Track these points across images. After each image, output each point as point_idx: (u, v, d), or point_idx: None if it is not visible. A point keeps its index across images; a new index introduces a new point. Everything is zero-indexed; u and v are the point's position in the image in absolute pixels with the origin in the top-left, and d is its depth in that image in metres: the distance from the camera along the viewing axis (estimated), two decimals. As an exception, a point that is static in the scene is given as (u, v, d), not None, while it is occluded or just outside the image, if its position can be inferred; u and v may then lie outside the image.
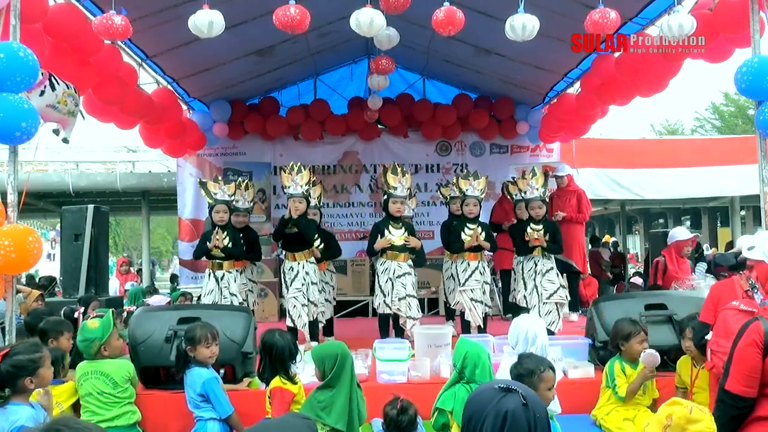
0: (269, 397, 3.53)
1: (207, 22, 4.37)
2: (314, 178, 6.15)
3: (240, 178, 6.54)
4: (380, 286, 5.71)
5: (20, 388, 2.94)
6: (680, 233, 6.79)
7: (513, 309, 6.54)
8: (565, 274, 7.14)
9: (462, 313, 5.87)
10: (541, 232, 5.70)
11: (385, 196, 5.80)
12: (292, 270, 5.63)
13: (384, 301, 5.66)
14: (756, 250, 2.68)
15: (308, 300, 5.56)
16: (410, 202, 5.79)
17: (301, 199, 5.59)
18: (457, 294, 5.83)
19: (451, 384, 3.33)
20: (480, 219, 6.01)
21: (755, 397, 2.44)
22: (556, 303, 5.62)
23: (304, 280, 5.58)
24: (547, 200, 5.98)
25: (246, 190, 6.02)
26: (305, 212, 5.66)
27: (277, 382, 3.51)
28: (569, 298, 5.88)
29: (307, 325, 5.54)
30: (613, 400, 3.76)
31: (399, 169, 5.76)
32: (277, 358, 3.57)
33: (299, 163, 5.78)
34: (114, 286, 10.97)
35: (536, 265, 5.75)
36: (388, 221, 5.79)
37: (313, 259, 5.71)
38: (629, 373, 3.74)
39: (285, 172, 5.75)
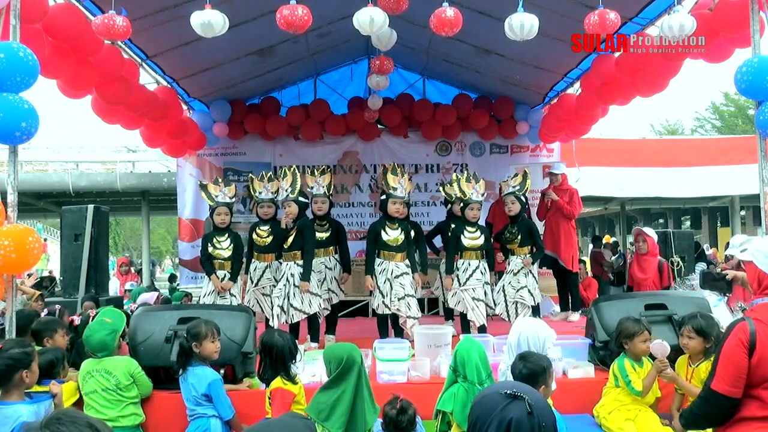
0: (269, 398, 3.53)
1: (207, 21, 4.37)
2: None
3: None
4: (378, 287, 5.72)
5: (15, 383, 2.95)
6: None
7: None
8: (560, 274, 7.18)
9: (462, 313, 5.87)
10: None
11: (384, 196, 5.81)
12: (280, 270, 5.81)
13: (383, 301, 5.68)
14: (746, 252, 2.72)
15: (288, 302, 5.59)
16: (404, 180, 5.80)
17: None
18: (458, 294, 5.83)
19: (450, 384, 3.34)
20: (479, 222, 6.04)
21: (740, 398, 2.41)
22: (517, 302, 5.79)
23: (288, 281, 5.63)
24: (523, 198, 6.08)
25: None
26: (299, 214, 5.77)
27: (278, 382, 3.50)
28: (536, 302, 5.92)
29: (286, 326, 5.57)
30: (619, 398, 3.76)
31: (399, 170, 5.78)
32: (277, 359, 3.56)
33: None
34: (114, 286, 10.97)
35: (508, 265, 5.93)
36: (384, 221, 5.80)
37: (301, 261, 5.70)
38: (638, 371, 3.76)
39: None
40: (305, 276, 5.58)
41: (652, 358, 3.88)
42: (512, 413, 1.50)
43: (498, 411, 1.51)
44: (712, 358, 3.48)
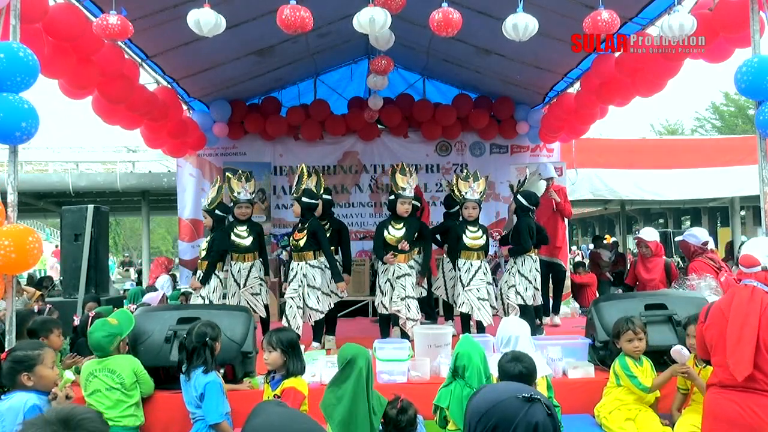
0: (278, 396, 3.51)
1: (193, 21, 4.37)
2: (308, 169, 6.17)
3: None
4: (380, 287, 5.75)
5: (18, 385, 2.94)
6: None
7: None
8: (554, 276, 7.09)
9: (462, 313, 5.87)
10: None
11: (392, 196, 5.82)
12: (293, 270, 5.76)
13: (382, 301, 5.69)
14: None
15: (303, 303, 5.59)
16: (412, 180, 5.83)
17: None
18: (462, 294, 5.82)
19: (448, 383, 3.37)
20: (480, 221, 6.02)
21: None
22: (507, 303, 5.87)
23: (301, 282, 5.65)
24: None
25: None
26: (305, 214, 5.77)
27: (291, 382, 3.49)
28: (526, 302, 5.87)
29: (300, 327, 5.57)
30: (620, 398, 3.76)
31: (407, 170, 5.80)
32: (300, 356, 3.59)
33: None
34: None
35: (506, 265, 6.01)
36: (390, 220, 5.82)
37: (314, 261, 5.71)
38: (640, 369, 3.75)
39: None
40: (337, 277, 5.66)
41: (663, 360, 3.88)
42: (536, 417, 1.52)
43: (522, 415, 1.52)
44: None
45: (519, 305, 5.83)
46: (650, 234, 6.90)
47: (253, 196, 6.09)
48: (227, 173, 6.22)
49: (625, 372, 3.73)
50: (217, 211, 6.02)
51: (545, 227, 6.76)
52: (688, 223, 24.02)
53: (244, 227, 5.96)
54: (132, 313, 4.39)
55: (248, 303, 5.91)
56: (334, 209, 6.61)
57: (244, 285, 5.91)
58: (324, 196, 6.08)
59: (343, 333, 6.22)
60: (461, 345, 3.41)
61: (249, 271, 5.92)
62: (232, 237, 5.94)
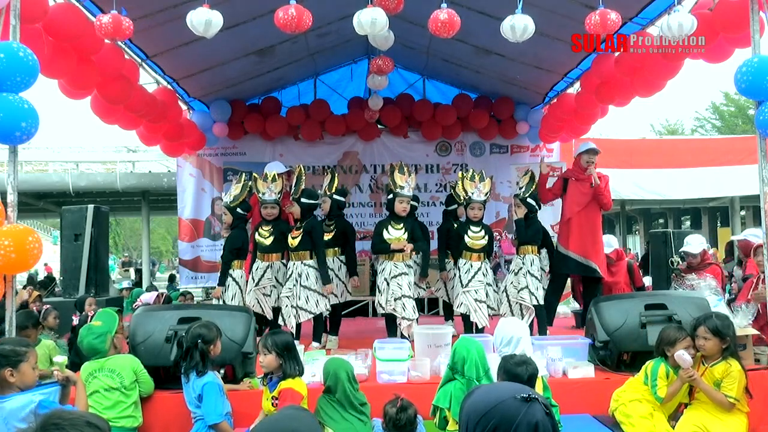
0: (275, 398, 3.51)
1: (204, 21, 4.36)
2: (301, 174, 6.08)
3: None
4: (378, 286, 5.77)
5: (0, 380, 2.91)
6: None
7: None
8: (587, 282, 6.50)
9: (463, 314, 5.86)
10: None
11: (391, 195, 5.81)
12: (289, 270, 5.78)
13: (379, 301, 5.71)
14: None
15: (296, 303, 5.60)
16: (411, 179, 5.84)
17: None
18: (460, 296, 5.80)
19: (445, 382, 3.38)
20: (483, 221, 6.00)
21: None
22: (520, 304, 5.76)
23: (296, 281, 5.64)
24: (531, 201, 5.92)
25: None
26: (305, 214, 5.78)
27: (289, 383, 3.49)
28: (539, 302, 5.73)
29: (294, 328, 5.61)
30: (642, 392, 3.75)
31: (406, 169, 5.80)
32: (297, 358, 3.60)
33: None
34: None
35: (511, 265, 5.95)
36: (389, 220, 5.81)
37: (310, 261, 5.70)
38: (672, 379, 3.71)
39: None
40: (325, 280, 5.64)
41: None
42: (536, 416, 1.53)
43: (522, 415, 1.53)
44: (729, 360, 3.51)
45: (534, 306, 5.73)
46: (608, 245, 6.81)
47: (280, 196, 6.02)
48: (254, 173, 6.19)
49: (651, 377, 3.72)
50: (238, 210, 6.03)
51: (577, 219, 6.16)
52: (688, 223, 24.00)
53: (268, 227, 5.96)
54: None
55: (258, 302, 5.91)
56: (344, 210, 6.53)
57: (257, 284, 5.91)
58: (335, 197, 6.05)
59: (343, 333, 6.21)
60: (459, 342, 3.46)
61: (264, 271, 5.92)
62: (257, 237, 5.97)
